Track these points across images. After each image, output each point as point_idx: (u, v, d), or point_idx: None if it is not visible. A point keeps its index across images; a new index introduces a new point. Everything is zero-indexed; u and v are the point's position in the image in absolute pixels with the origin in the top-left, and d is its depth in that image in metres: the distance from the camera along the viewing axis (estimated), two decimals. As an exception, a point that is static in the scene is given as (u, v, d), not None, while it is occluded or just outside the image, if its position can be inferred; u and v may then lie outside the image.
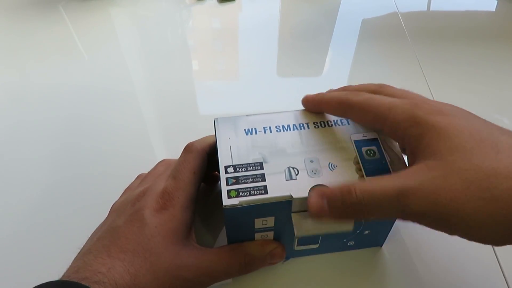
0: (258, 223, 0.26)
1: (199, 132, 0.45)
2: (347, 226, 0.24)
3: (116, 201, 0.32)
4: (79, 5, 0.66)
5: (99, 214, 0.30)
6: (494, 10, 0.64)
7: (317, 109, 0.29)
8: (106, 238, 0.26)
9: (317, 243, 0.30)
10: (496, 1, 0.65)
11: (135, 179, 0.35)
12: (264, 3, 0.65)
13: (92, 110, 0.47)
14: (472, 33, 0.58)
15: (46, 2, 0.67)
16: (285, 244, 0.29)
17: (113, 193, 0.33)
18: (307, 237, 0.24)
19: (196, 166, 0.29)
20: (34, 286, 0.23)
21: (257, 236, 0.28)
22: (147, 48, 0.58)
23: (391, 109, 0.24)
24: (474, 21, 0.61)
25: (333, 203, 0.22)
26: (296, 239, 0.28)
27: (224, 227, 0.33)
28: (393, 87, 0.28)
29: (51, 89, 0.50)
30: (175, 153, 0.35)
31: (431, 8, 0.65)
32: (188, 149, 0.30)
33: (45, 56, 0.56)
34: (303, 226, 0.24)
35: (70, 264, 0.26)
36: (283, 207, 0.25)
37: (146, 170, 0.35)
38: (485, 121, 0.23)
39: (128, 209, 0.28)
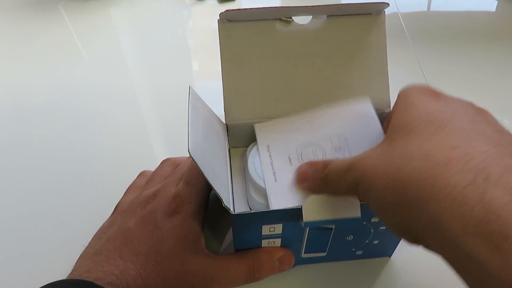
0: (266, 230, 0.26)
1: (199, 132, 0.45)
2: (355, 213, 0.24)
3: (121, 200, 0.32)
4: (79, 5, 0.66)
5: (101, 211, 0.31)
6: (494, 10, 0.64)
7: None
8: (117, 239, 0.26)
9: (325, 251, 0.29)
10: (496, 2, 0.65)
11: (138, 176, 0.35)
12: (263, 3, 0.65)
13: (92, 110, 0.47)
14: (472, 33, 0.58)
15: (46, 3, 0.67)
16: (292, 251, 0.28)
17: (115, 192, 0.33)
18: (315, 223, 0.24)
19: None
20: (46, 283, 0.22)
21: (264, 243, 0.27)
22: (147, 48, 0.58)
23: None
24: (474, 21, 0.61)
25: (315, 174, 0.23)
26: (304, 246, 0.28)
27: (230, 232, 0.33)
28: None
29: (51, 89, 0.50)
30: (176, 153, 0.35)
31: (431, 8, 0.65)
32: None
33: (45, 56, 0.56)
34: (310, 212, 0.24)
35: (76, 262, 0.26)
36: (291, 214, 0.24)
37: (146, 168, 0.35)
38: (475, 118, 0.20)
39: (139, 211, 0.27)
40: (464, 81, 0.49)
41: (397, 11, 0.62)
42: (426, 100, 0.20)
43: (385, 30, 0.29)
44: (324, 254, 0.29)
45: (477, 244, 0.14)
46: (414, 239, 0.18)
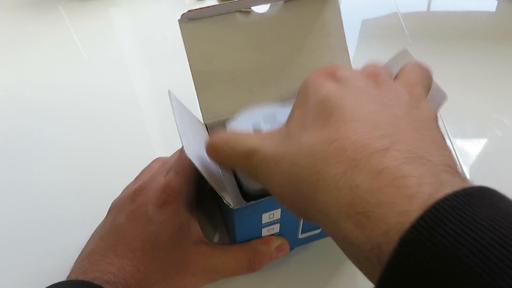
0: (266, 217, 0.26)
1: (199, 132, 0.45)
2: None
3: (114, 199, 0.31)
4: (79, 5, 0.66)
5: (99, 214, 0.30)
6: (494, 10, 0.64)
7: None
8: (110, 237, 0.26)
9: (320, 228, 0.29)
10: (497, 2, 0.65)
11: (134, 180, 0.35)
12: (264, 3, 0.65)
13: (91, 110, 0.47)
14: (472, 33, 0.58)
15: (45, 2, 0.67)
16: (290, 234, 0.29)
17: (114, 194, 0.32)
18: None
19: None
20: (45, 287, 0.22)
21: (264, 231, 0.28)
22: (147, 48, 0.58)
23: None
24: (474, 21, 0.61)
25: (214, 146, 0.23)
26: (301, 226, 0.28)
27: (221, 219, 0.33)
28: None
29: (51, 90, 0.50)
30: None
31: (431, 8, 0.65)
32: None
33: (45, 56, 0.56)
34: None
35: (73, 265, 0.26)
36: None
37: (146, 170, 0.35)
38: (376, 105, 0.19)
39: (128, 205, 0.27)
40: (464, 81, 0.49)
41: (397, 11, 0.62)
42: (321, 85, 0.20)
43: (339, 8, 0.31)
44: (319, 230, 0.30)
45: (348, 225, 0.16)
46: (310, 221, 0.20)
